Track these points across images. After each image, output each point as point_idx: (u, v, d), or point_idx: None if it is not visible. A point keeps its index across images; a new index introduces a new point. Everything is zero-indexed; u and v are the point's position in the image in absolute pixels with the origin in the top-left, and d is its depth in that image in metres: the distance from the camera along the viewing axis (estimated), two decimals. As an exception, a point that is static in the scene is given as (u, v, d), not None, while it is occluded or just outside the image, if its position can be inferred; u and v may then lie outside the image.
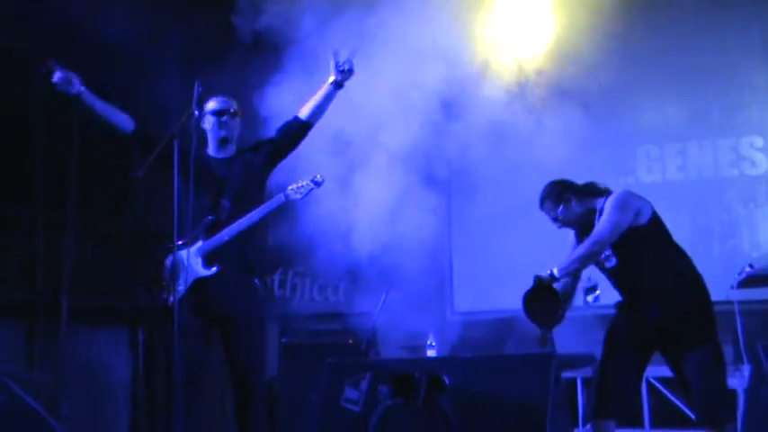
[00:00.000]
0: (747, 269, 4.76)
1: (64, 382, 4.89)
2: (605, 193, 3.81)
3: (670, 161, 6.33)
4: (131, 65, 5.15)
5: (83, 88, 3.68)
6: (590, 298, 3.89)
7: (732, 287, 4.82)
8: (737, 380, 4.63)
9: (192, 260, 3.68)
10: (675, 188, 6.15)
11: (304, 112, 3.96)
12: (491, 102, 5.27)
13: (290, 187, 3.84)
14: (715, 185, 6.17)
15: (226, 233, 3.71)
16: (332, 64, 3.85)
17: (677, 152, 6.33)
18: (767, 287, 5.11)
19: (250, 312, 3.79)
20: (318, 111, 3.95)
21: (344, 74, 3.86)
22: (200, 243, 3.72)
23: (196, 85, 3.51)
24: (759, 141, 6.13)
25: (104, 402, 5.08)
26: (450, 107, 5.34)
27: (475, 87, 5.31)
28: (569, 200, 3.82)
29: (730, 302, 4.74)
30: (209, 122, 3.91)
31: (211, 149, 3.94)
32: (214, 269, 3.70)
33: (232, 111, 3.93)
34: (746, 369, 4.71)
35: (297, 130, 3.98)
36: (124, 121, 3.81)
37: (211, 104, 3.91)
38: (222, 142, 3.90)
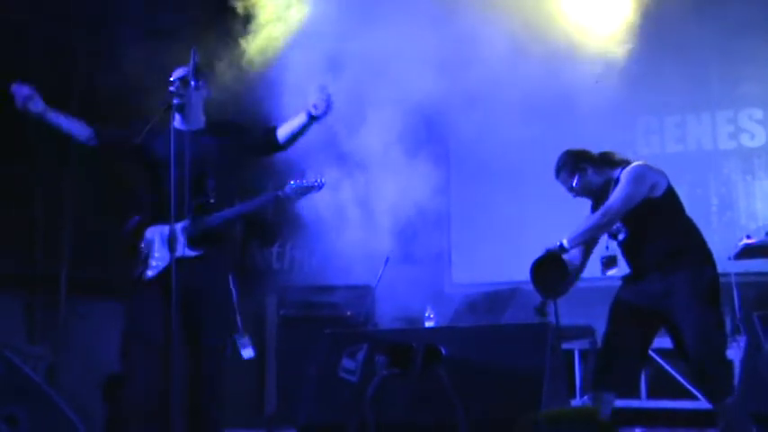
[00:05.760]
0: (744, 240, 4.74)
1: (63, 354, 4.92)
2: (623, 163, 3.74)
3: (669, 133, 6.32)
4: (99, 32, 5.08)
5: (43, 106, 3.53)
6: (610, 272, 3.81)
7: (729, 258, 4.81)
8: (734, 351, 4.65)
9: (175, 238, 3.46)
10: (674, 160, 6.12)
11: (281, 134, 3.81)
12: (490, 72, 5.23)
13: (289, 183, 3.69)
14: (713, 158, 6.17)
15: (215, 218, 3.62)
16: (315, 97, 3.68)
17: (676, 125, 6.32)
18: (763, 258, 5.12)
19: (221, 303, 3.69)
20: (293, 139, 3.81)
21: (322, 111, 3.69)
22: (185, 222, 3.58)
23: (192, 53, 3.47)
24: (758, 113, 6.11)
25: (103, 374, 5.09)
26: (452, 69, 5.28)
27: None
28: (585, 169, 3.76)
29: (727, 274, 4.74)
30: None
31: (176, 120, 3.66)
32: (198, 251, 3.60)
33: (185, 78, 3.63)
34: (742, 340, 4.72)
35: (269, 149, 3.87)
36: (87, 136, 3.69)
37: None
38: (178, 109, 3.64)
